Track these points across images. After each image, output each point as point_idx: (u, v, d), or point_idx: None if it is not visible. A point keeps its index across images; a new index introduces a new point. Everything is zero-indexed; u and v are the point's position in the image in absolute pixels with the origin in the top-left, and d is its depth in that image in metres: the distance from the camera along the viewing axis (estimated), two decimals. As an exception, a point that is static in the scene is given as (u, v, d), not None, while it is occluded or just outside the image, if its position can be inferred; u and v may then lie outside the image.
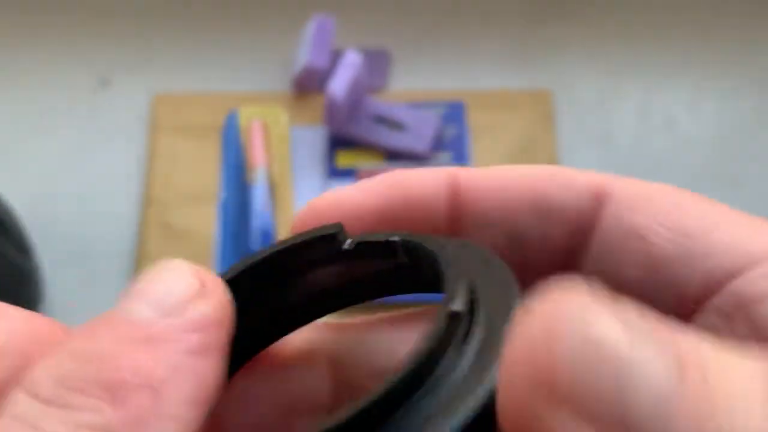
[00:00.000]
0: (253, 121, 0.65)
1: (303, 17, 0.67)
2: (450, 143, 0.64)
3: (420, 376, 0.14)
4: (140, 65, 0.69)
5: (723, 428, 0.12)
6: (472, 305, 0.16)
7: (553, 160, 0.64)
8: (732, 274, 0.17)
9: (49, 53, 0.70)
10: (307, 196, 0.63)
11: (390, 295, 0.20)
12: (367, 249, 0.19)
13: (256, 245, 0.60)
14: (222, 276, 0.18)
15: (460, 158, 0.64)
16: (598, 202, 0.19)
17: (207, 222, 0.62)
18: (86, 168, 0.65)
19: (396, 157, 0.64)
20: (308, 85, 0.66)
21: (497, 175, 0.19)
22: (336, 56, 0.65)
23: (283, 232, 0.61)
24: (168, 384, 0.14)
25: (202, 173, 0.64)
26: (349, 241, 0.19)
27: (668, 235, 0.18)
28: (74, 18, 0.71)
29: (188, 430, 0.14)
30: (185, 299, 0.16)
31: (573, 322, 0.13)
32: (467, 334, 0.15)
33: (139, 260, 0.61)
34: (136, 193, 0.64)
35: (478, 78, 0.68)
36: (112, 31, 0.71)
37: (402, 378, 0.14)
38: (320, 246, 0.19)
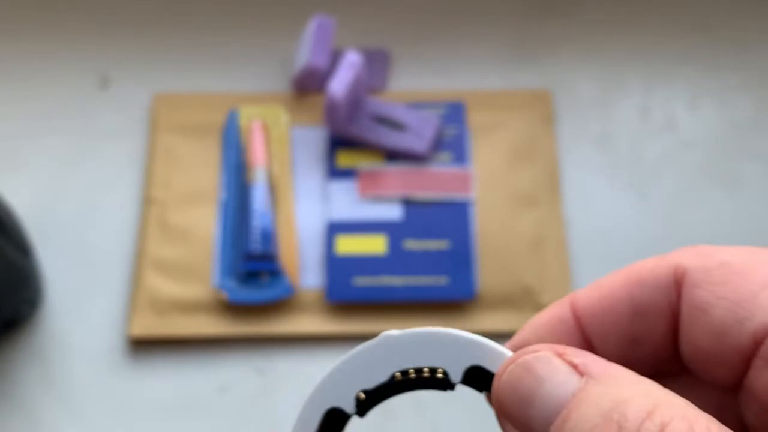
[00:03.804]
0: (253, 121, 0.65)
1: (303, 17, 0.67)
2: (450, 143, 0.64)
3: None
4: (140, 65, 0.69)
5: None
6: None
7: (553, 160, 0.64)
8: None
9: (49, 53, 0.70)
10: (307, 196, 0.63)
11: None
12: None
13: (256, 245, 0.60)
14: (359, 408, 0.24)
15: (460, 158, 0.64)
16: (677, 285, 0.22)
17: (207, 222, 0.62)
18: (86, 168, 0.65)
19: (396, 157, 0.64)
20: (308, 85, 0.66)
21: (603, 294, 0.23)
22: (336, 56, 0.65)
23: (283, 231, 0.61)
24: None
25: (202, 173, 0.64)
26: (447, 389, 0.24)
27: (724, 305, 0.21)
28: (74, 18, 0.71)
29: None
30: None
31: (522, 364, 0.21)
32: None
33: (139, 260, 0.61)
34: (136, 193, 0.64)
35: (478, 78, 0.68)
36: (112, 31, 0.71)
37: None
38: (429, 385, 0.24)
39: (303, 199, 0.63)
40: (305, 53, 0.65)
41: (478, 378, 0.23)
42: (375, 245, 0.61)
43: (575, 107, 0.67)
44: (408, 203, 0.62)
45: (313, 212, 0.63)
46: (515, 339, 0.24)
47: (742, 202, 0.64)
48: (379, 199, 0.62)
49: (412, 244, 0.61)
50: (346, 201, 0.63)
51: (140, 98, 0.68)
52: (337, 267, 0.60)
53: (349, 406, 0.23)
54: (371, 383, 0.23)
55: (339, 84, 0.61)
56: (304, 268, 0.61)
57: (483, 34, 0.70)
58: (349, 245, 0.61)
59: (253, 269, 0.60)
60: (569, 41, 0.70)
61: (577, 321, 0.24)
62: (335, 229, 0.62)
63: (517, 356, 0.22)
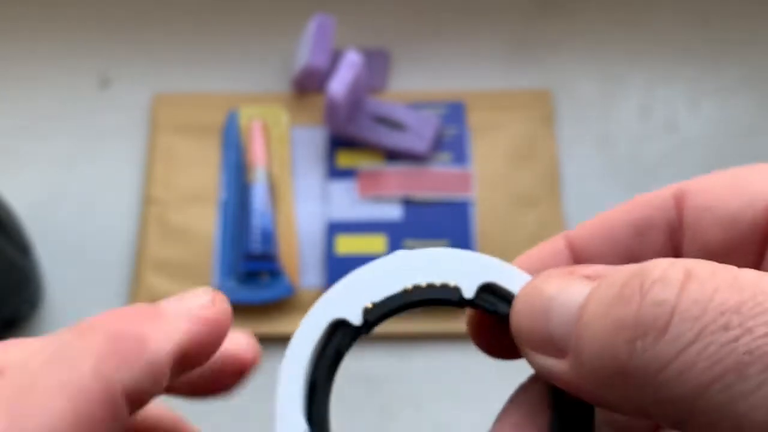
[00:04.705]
0: (253, 121, 0.65)
1: (303, 17, 0.67)
2: (450, 143, 0.64)
3: None
4: (140, 65, 0.69)
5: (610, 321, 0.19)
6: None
7: (553, 160, 0.64)
8: None
9: (49, 53, 0.70)
10: (307, 196, 0.63)
11: None
12: (476, 308, 0.23)
13: (256, 245, 0.60)
14: (367, 318, 0.23)
15: (460, 158, 0.64)
16: (677, 201, 0.23)
17: (207, 222, 0.62)
18: (86, 168, 0.65)
19: (396, 157, 0.64)
20: (308, 85, 0.66)
21: (600, 222, 0.23)
22: (336, 56, 0.65)
23: (283, 231, 0.61)
24: (154, 339, 0.21)
25: (202, 173, 0.64)
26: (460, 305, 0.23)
27: (731, 200, 0.22)
28: (74, 18, 0.71)
29: (158, 377, 0.20)
30: (197, 306, 0.22)
31: (533, 288, 0.21)
32: None
33: (139, 260, 0.61)
34: (136, 193, 0.64)
35: (478, 78, 0.68)
36: (112, 31, 0.71)
37: None
38: (440, 301, 0.23)
39: (303, 199, 0.63)
40: (305, 53, 0.65)
41: (492, 296, 0.23)
42: (375, 245, 0.61)
43: (575, 107, 0.67)
44: (408, 203, 0.62)
45: (313, 212, 0.63)
46: None
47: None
48: (379, 199, 0.62)
49: (412, 244, 0.61)
50: (346, 201, 0.63)
51: (140, 98, 0.68)
52: (337, 267, 0.60)
53: (356, 318, 0.22)
54: (380, 295, 0.22)
55: (339, 84, 0.61)
56: (304, 268, 0.61)
57: (483, 34, 0.70)
58: (349, 245, 0.61)
59: (253, 269, 0.60)
60: (569, 41, 0.70)
61: (571, 252, 0.24)
62: (335, 229, 0.62)
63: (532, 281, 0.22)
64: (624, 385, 0.18)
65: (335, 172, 0.64)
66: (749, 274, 0.18)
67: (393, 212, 0.62)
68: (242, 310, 0.60)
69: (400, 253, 0.23)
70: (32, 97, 0.68)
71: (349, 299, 0.22)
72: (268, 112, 0.66)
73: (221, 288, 0.60)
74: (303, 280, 0.60)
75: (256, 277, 0.60)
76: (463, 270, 0.23)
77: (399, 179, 0.63)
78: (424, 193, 0.62)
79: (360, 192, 0.63)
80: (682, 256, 0.23)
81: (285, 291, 0.59)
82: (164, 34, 0.70)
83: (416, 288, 0.23)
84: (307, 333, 0.22)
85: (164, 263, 0.61)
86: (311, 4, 0.69)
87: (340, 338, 0.22)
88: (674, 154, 0.66)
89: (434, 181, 0.62)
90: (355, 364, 0.59)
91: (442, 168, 0.63)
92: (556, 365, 0.20)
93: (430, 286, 0.23)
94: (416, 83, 0.68)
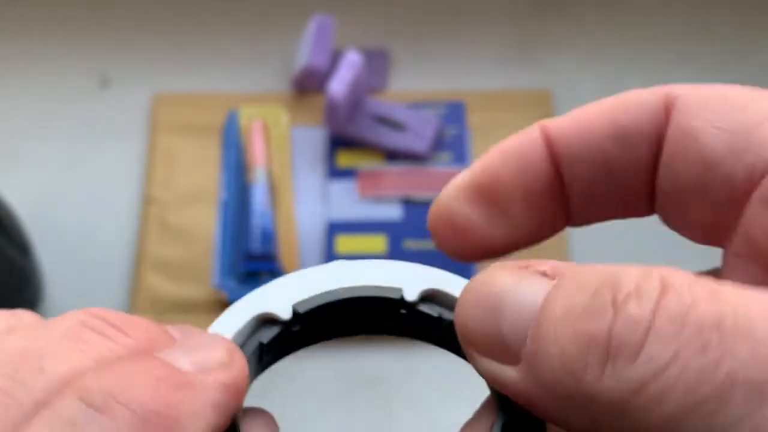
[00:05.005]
0: (253, 121, 0.65)
1: (303, 17, 0.67)
2: (450, 143, 0.64)
3: None
4: (140, 65, 0.69)
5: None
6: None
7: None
8: None
9: (49, 53, 0.70)
10: (307, 196, 0.63)
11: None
12: (419, 317, 0.21)
13: (256, 245, 0.60)
14: (296, 308, 0.21)
15: (460, 158, 0.64)
16: (667, 112, 0.20)
17: (207, 222, 0.62)
18: (86, 168, 0.65)
19: (396, 157, 0.64)
20: (308, 85, 0.66)
21: (580, 117, 0.21)
22: (336, 56, 0.65)
23: (283, 232, 0.61)
24: (188, 419, 0.17)
25: (202, 173, 0.64)
26: (402, 309, 0.21)
27: (719, 135, 0.19)
28: (74, 18, 0.71)
29: None
30: (217, 365, 0.19)
31: (483, 281, 0.19)
32: None
33: (139, 260, 0.61)
34: (136, 193, 0.64)
35: (478, 78, 0.68)
36: (112, 31, 0.71)
37: None
38: (381, 303, 0.21)
39: (303, 199, 0.63)
40: (305, 53, 0.65)
41: (437, 305, 0.21)
42: (375, 245, 0.61)
43: (575, 107, 0.67)
44: (408, 203, 0.62)
45: (313, 212, 0.63)
46: (481, 163, 0.22)
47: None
48: (379, 199, 0.62)
49: (412, 244, 0.61)
50: (346, 201, 0.63)
51: (140, 98, 0.68)
52: (337, 267, 0.60)
53: (284, 313, 0.20)
54: (314, 293, 0.21)
55: (339, 84, 0.61)
56: (304, 268, 0.61)
57: (483, 34, 0.70)
58: (349, 245, 0.61)
59: (253, 269, 0.60)
60: (569, 41, 0.70)
61: (548, 147, 0.21)
62: (335, 229, 0.62)
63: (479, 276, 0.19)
64: (585, 408, 0.16)
65: (335, 172, 0.64)
66: (728, 288, 0.16)
67: (393, 212, 0.62)
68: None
69: (339, 261, 0.21)
70: (32, 97, 0.68)
71: (279, 296, 0.21)
72: (268, 112, 0.66)
73: (221, 288, 0.60)
74: (303, 280, 0.60)
75: (256, 277, 0.60)
76: (406, 277, 0.21)
77: (399, 179, 0.63)
78: (424, 193, 0.62)
79: (360, 192, 0.63)
80: (658, 180, 0.21)
81: (285, 291, 0.59)
82: (164, 34, 0.70)
83: (355, 288, 0.21)
84: (230, 320, 0.20)
85: (164, 263, 0.61)
86: (311, 4, 0.69)
87: (265, 332, 0.20)
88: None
89: (434, 181, 0.62)
90: (355, 364, 0.59)
91: (442, 168, 0.63)
92: (505, 372, 0.18)
93: (371, 287, 0.21)
94: (416, 83, 0.68)
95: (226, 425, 0.18)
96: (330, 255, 0.61)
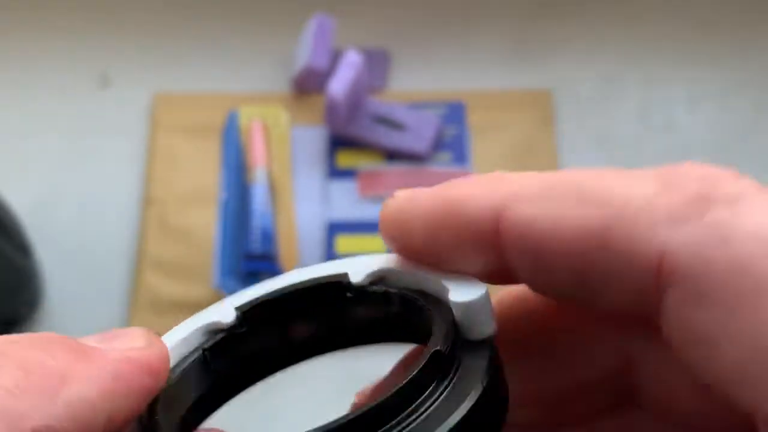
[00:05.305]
0: (253, 121, 0.65)
1: (303, 17, 0.67)
2: (450, 143, 0.64)
3: (402, 401, 0.17)
4: (140, 65, 0.69)
5: None
6: (452, 348, 0.18)
7: (553, 160, 0.64)
8: None
9: (50, 53, 0.70)
10: (307, 196, 0.63)
11: (380, 343, 0.22)
12: (366, 297, 0.20)
13: (256, 245, 0.60)
14: (240, 308, 0.20)
15: (460, 158, 0.64)
16: (660, 283, 0.16)
17: (207, 222, 0.62)
18: (86, 168, 0.65)
19: (396, 157, 0.64)
20: (308, 85, 0.66)
21: (542, 228, 0.17)
22: (336, 56, 0.65)
23: (283, 231, 0.61)
24: (75, 380, 0.17)
25: (202, 173, 0.64)
26: (348, 292, 0.20)
27: (734, 350, 0.15)
28: (74, 17, 0.71)
29: (83, 424, 0.17)
30: (128, 343, 0.18)
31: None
32: (446, 372, 0.17)
33: (139, 260, 0.61)
34: (136, 193, 0.64)
35: (478, 78, 0.68)
36: (112, 30, 0.71)
37: (383, 402, 0.16)
38: (326, 290, 0.20)
39: (303, 199, 0.63)
40: (305, 53, 0.65)
41: (385, 283, 0.20)
42: (375, 245, 0.61)
43: (575, 107, 0.67)
44: (408, 203, 0.62)
45: (313, 212, 0.63)
46: None
47: (742, 202, 0.64)
48: (379, 199, 0.62)
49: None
50: (346, 201, 0.63)
51: (140, 98, 0.67)
52: (337, 267, 0.60)
53: (228, 317, 0.20)
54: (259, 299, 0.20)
55: (339, 84, 0.61)
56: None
57: (483, 34, 0.70)
58: (349, 245, 0.61)
59: (253, 269, 0.60)
60: (569, 41, 0.70)
61: (497, 235, 0.18)
62: (335, 229, 0.62)
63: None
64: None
65: (335, 172, 0.64)
66: None
67: (393, 212, 0.62)
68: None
69: (292, 271, 0.21)
70: (32, 97, 0.68)
71: (224, 306, 0.20)
72: (268, 112, 0.66)
73: (221, 288, 0.60)
74: (303, 280, 0.60)
75: (256, 277, 0.60)
76: (356, 264, 0.20)
77: (399, 179, 0.63)
78: (424, 193, 0.62)
79: (360, 192, 0.63)
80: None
81: (285, 291, 0.59)
82: (164, 34, 0.70)
83: (300, 282, 0.20)
84: (168, 339, 0.20)
85: (164, 263, 0.61)
86: (311, 4, 0.69)
87: (209, 340, 0.20)
88: (673, 154, 0.66)
89: (434, 181, 0.62)
90: (355, 364, 0.59)
91: (442, 168, 0.63)
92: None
93: (316, 277, 0.20)
94: (416, 83, 0.68)
95: (139, 404, 0.18)
96: (330, 255, 0.61)
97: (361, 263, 0.20)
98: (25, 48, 0.70)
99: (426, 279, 0.19)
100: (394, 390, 0.17)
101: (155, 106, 0.67)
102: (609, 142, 0.66)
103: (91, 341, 0.18)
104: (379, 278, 0.20)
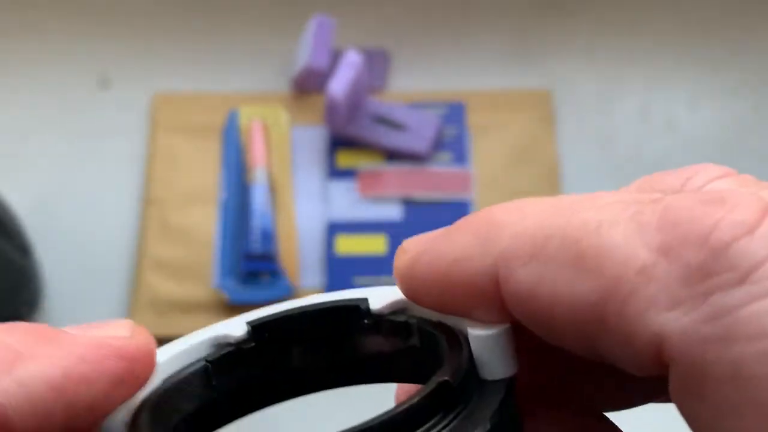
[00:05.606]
0: (253, 121, 0.65)
1: (303, 17, 0.67)
2: (450, 143, 0.64)
3: (398, 427, 0.16)
4: (140, 65, 0.69)
5: None
6: (464, 383, 0.17)
7: (553, 160, 0.64)
8: None
9: (49, 53, 0.70)
10: (307, 196, 0.63)
11: (395, 381, 0.20)
12: (384, 326, 0.19)
13: (256, 245, 0.60)
14: (252, 322, 0.20)
15: (460, 158, 0.64)
16: (662, 362, 0.16)
17: (207, 222, 0.62)
18: (86, 168, 0.65)
19: (396, 157, 0.64)
20: (308, 85, 0.66)
21: (540, 297, 0.17)
22: (336, 56, 0.65)
23: (283, 231, 0.61)
24: (37, 358, 0.16)
25: (202, 173, 0.64)
26: (366, 319, 0.20)
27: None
28: (74, 18, 0.71)
29: (38, 406, 0.16)
30: (109, 332, 0.18)
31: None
32: (452, 406, 0.16)
33: (139, 260, 0.61)
34: (136, 193, 0.64)
35: (478, 78, 0.68)
36: (112, 31, 0.71)
37: (377, 423, 0.16)
38: (343, 314, 0.20)
39: (303, 199, 0.63)
40: (305, 53, 0.65)
41: (407, 314, 0.19)
42: (375, 245, 0.61)
43: (575, 107, 0.67)
44: (408, 203, 0.62)
45: (313, 212, 0.63)
46: None
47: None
48: (379, 199, 0.62)
49: (412, 244, 0.61)
50: (346, 201, 0.63)
51: (140, 98, 0.67)
52: (337, 267, 0.60)
53: (238, 331, 0.19)
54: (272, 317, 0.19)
55: (339, 84, 0.61)
56: (304, 268, 0.61)
57: (483, 34, 0.70)
58: (349, 245, 0.61)
59: (253, 269, 0.60)
60: (569, 41, 0.70)
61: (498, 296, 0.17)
62: (335, 229, 0.62)
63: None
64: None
65: (335, 172, 0.64)
66: None
67: (393, 212, 0.62)
68: (242, 310, 0.59)
69: (316, 294, 0.20)
70: (32, 98, 0.68)
71: (237, 321, 0.20)
72: (268, 112, 0.66)
73: (221, 288, 0.60)
74: (303, 280, 0.60)
75: (256, 277, 0.60)
76: (378, 292, 0.19)
77: (399, 179, 0.63)
78: (424, 193, 0.62)
79: (360, 192, 0.63)
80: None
81: (285, 291, 0.59)
82: (164, 34, 0.70)
83: (318, 303, 0.19)
84: (173, 348, 0.19)
85: (164, 263, 0.61)
86: (311, 4, 0.69)
87: (215, 351, 0.19)
88: (674, 154, 0.66)
89: (434, 181, 0.62)
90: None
91: (442, 168, 0.63)
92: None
93: (334, 300, 0.19)
94: (416, 83, 0.68)
95: (110, 391, 0.17)
96: (330, 255, 0.61)
97: (385, 292, 0.19)
98: (25, 49, 0.70)
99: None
100: (391, 413, 0.16)
101: (155, 106, 0.67)
102: (609, 142, 0.66)
103: (70, 329, 0.18)
104: (400, 309, 0.19)
